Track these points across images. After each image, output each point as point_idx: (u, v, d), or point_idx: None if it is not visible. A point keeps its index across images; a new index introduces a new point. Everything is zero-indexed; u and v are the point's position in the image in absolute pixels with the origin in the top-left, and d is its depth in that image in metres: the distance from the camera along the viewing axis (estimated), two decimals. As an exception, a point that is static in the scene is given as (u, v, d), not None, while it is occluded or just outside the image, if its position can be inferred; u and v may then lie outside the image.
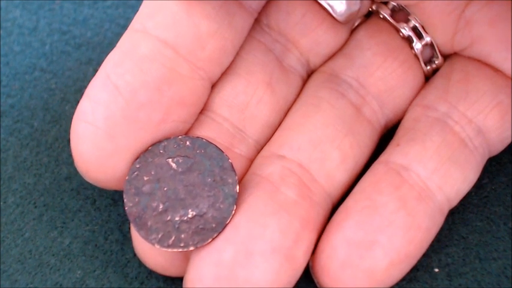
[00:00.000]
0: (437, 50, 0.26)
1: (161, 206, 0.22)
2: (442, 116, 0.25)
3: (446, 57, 0.27)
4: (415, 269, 0.24)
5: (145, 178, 0.23)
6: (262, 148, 0.25)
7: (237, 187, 0.23)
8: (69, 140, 0.27)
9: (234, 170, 0.23)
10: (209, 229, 0.22)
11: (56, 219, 0.26)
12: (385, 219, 0.23)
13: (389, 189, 0.23)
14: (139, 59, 0.23)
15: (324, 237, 0.23)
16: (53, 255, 0.25)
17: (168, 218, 0.22)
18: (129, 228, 0.25)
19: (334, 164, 0.24)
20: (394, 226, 0.23)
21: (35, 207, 0.26)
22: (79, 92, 0.29)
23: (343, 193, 0.25)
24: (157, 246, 0.22)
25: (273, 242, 0.22)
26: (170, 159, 0.23)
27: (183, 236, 0.22)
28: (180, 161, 0.23)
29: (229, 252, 0.22)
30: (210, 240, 0.22)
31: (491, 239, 0.25)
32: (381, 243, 0.23)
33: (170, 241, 0.22)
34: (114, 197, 0.26)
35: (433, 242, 0.24)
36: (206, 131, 0.24)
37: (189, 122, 0.24)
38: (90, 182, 0.23)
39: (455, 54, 0.26)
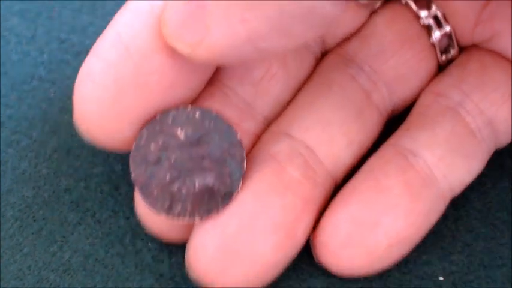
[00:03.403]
0: (454, 40, 0.26)
1: (168, 176, 0.23)
2: (454, 105, 0.25)
3: (462, 48, 0.27)
4: (419, 277, 0.24)
5: (153, 147, 0.23)
6: (270, 124, 0.25)
7: (245, 163, 0.23)
8: (68, 151, 0.27)
9: (242, 146, 0.23)
10: (215, 201, 0.23)
11: (55, 233, 0.26)
12: (390, 201, 0.24)
13: (396, 173, 0.24)
14: (153, 21, 0.22)
15: (326, 214, 0.24)
16: (53, 270, 0.25)
17: (175, 188, 0.23)
18: (130, 241, 0.25)
19: (340, 148, 0.25)
20: (398, 209, 0.24)
21: (34, 220, 0.26)
22: (78, 101, 0.29)
23: (345, 174, 0.25)
24: (163, 215, 0.23)
25: (275, 219, 0.23)
26: (179, 130, 0.23)
27: (189, 206, 0.23)
28: (189, 132, 0.23)
29: (234, 226, 0.22)
30: (215, 212, 0.22)
31: (496, 246, 0.25)
32: (384, 225, 0.23)
33: (176, 211, 0.23)
34: (114, 209, 0.26)
35: (437, 249, 0.24)
36: (216, 103, 0.24)
37: (197, 89, 0.23)
38: (89, 141, 0.23)
39: (472, 45, 0.26)
